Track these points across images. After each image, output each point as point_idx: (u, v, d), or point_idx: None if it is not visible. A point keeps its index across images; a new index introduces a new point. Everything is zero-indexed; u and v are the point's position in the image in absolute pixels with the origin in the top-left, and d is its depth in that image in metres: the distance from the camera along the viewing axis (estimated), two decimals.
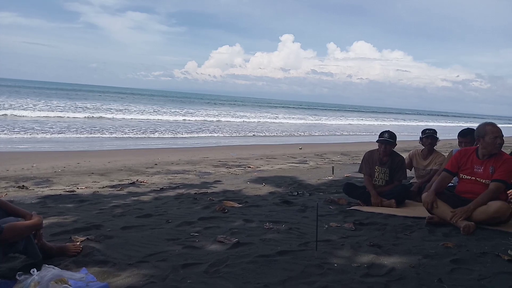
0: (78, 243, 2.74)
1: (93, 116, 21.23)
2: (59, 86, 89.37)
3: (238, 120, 27.62)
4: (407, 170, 4.90)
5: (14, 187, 5.11)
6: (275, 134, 19.34)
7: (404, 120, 52.23)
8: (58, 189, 5.10)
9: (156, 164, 7.68)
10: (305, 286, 2.22)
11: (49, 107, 25.84)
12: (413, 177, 5.35)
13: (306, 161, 9.20)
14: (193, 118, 25.72)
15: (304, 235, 3.21)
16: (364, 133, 23.33)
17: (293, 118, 35.65)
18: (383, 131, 4.72)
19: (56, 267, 2.10)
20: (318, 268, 2.48)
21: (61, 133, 13.61)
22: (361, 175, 5.03)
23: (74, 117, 20.15)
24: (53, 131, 13.98)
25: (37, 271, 1.98)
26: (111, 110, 27.50)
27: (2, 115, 18.23)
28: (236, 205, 4.32)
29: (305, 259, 2.63)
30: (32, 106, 25.30)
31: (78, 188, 5.17)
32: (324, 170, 7.62)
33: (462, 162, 3.77)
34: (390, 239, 3.16)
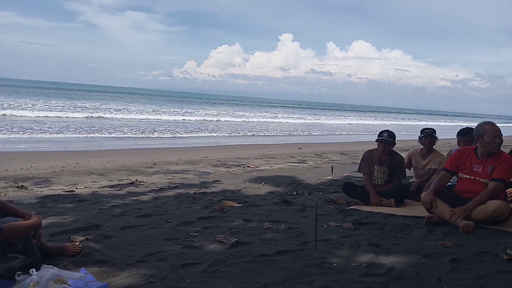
0: (77, 243, 2.74)
1: (92, 116, 21.21)
2: (58, 85, 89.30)
3: (237, 119, 27.63)
4: (406, 169, 4.90)
5: (13, 187, 5.11)
6: (275, 134, 19.35)
7: (403, 119, 52.27)
8: (57, 189, 5.10)
9: (155, 164, 7.68)
10: (305, 286, 2.22)
11: (48, 106, 25.82)
12: (412, 177, 5.35)
13: (306, 160, 9.21)
14: (192, 118, 25.72)
15: (303, 234, 3.22)
16: (364, 133, 23.35)
17: (292, 117, 35.65)
18: (382, 131, 4.72)
19: (55, 267, 2.09)
20: (317, 268, 2.48)
21: (60, 133, 13.60)
22: (361, 175, 5.03)
23: (73, 117, 20.14)
24: (52, 131, 13.97)
25: (36, 271, 1.98)
26: (110, 110, 27.48)
27: (1, 115, 18.21)
28: (236, 204, 4.32)
29: (304, 258, 2.63)
30: (31, 106, 25.28)
31: (77, 188, 5.17)
32: (323, 169, 7.62)
33: (461, 161, 3.77)
34: (389, 239, 3.16)
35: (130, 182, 5.72)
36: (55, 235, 3.01)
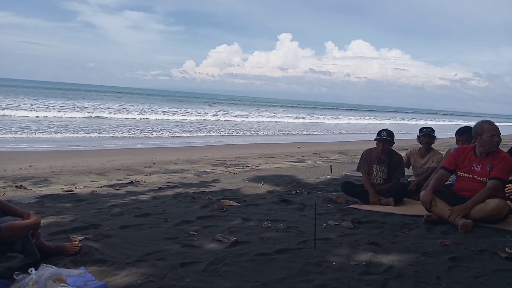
0: (76, 243, 2.74)
1: (91, 116, 21.18)
2: (56, 85, 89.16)
3: (236, 119, 27.62)
4: (405, 168, 4.91)
5: (12, 186, 5.10)
6: (274, 133, 19.35)
7: (402, 118, 52.32)
8: (56, 188, 5.09)
9: (154, 164, 7.67)
10: (304, 284, 2.22)
11: (46, 106, 25.78)
12: (411, 176, 5.36)
13: (305, 160, 9.21)
14: (191, 118, 25.70)
15: (302, 233, 3.22)
16: (363, 132, 23.36)
17: (291, 117, 35.66)
18: (381, 130, 4.73)
19: (54, 266, 2.09)
20: (316, 266, 2.48)
21: (59, 132, 13.58)
22: (360, 174, 5.04)
23: (72, 117, 20.11)
24: (51, 130, 13.95)
25: (35, 270, 1.98)
26: (109, 109, 27.44)
27: (0, 115, 18.17)
28: (235, 204, 4.32)
29: (303, 257, 2.64)
30: (29, 105, 25.24)
31: (76, 188, 5.16)
32: (322, 168, 7.62)
33: (459, 160, 3.78)
34: (388, 237, 3.16)
35: (129, 181, 5.72)
36: (54, 234, 3.01)
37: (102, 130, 15.01)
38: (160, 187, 5.30)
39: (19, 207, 2.49)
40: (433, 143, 5.09)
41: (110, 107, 30.36)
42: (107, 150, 10.17)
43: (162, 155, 9.16)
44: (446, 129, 22.60)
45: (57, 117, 19.50)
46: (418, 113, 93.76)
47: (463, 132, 4.61)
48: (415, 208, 4.12)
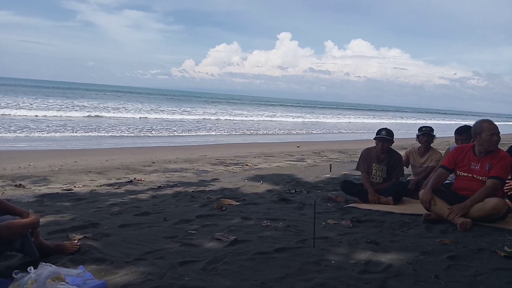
0: (75, 241, 2.74)
1: (90, 115, 21.16)
2: (56, 84, 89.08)
3: (235, 118, 27.61)
4: (404, 167, 4.91)
5: (11, 185, 5.10)
6: (273, 132, 19.34)
7: (402, 118, 52.33)
8: (55, 187, 5.09)
9: (153, 163, 7.67)
10: (303, 283, 2.22)
11: (46, 105, 25.75)
12: (410, 175, 5.37)
13: (304, 159, 9.21)
14: (190, 117, 25.69)
15: (301, 232, 3.22)
16: (362, 131, 23.37)
17: (291, 116, 35.66)
18: (381, 129, 4.74)
19: (53, 265, 2.09)
20: (315, 265, 2.48)
21: (58, 131, 13.57)
22: (359, 173, 5.04)
23: (71, 116, 20.09)
24: (50, 129, 13.94)
25: (34, 269, 1.98)
26: (108, 108, 27.42)
27: None
28: (234, 203, 4.32)
29: (302, 256, 2.64)
30: (29, 104, 25.21)
31: (75, 187, 5.16)
32: (321, 168, 7.63)
33: (459, 159, 3.78)
34: (387, 236, 3.17)
35: (129, 180, 5.72)
36: (53, 233, 3.01)
37: (101, 129, 15.00)
38: (160, 186, 5.30)
39: (18, 206, 2.48)
40: (432, 142, 5.09)
41: (110, 106, 30.33)
42: (107, 149, 10.16)
43: (161, 154, 9.15)
44: (445, 128, 22.62)
45: (56, 116, 19.48)
46: (418, 112, 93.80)
47: (462, 131, 4.62)
48: (414, 207, 4.13)
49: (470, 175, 3.70)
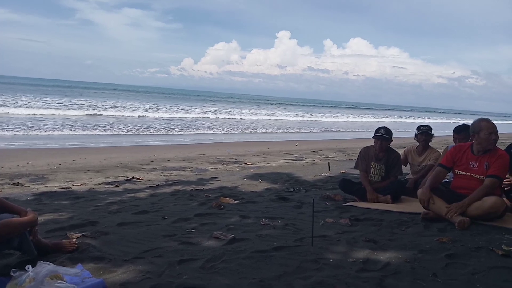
0: (73, 240, 2.74)
1: (88, 113, 21.12)
2: (54, 83, 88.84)
3: (234, 117, 27.59)
4: (402, 166, 4.92)
5: (9, 184, 5.09)
6: (272, 131, 19.34)
7: (400, 116, 52.37)
8: (53, 186, 5.08)
9: (152, 161, 7.67)
10: (301, 281, 2.22)
11: (44, 103, 25.69)
12: (409, 173, 5.37)
13: (303, 157, 9.22)
14: (189, 115, 25.66)
15: (300, 231, 3.22)
16: (361, 130, 23.39)
17: (289, 115, 35.65)
18: (379, 127, 4.74)
19: (51, 264, 2.09)
20: (314, 263, 2.49)
21: (56, 130, 13.54)
22: (357, 171, 5.04)
23: (69, 114, 20.03)
24: (48, 128, 13.91)
25: (32, 267, 1.98)
26: (107, 107, 27.36)
27: None
28: (233, 201, 4.32)
29: (301, 254, 2.64)
30: (27, 103, 25.14)
31: (73, 185, 5.16)
32: (320, 166, 7.63)
33: (457, 157, 3.79)
34: (385, 235, 3.17)
35: (127, 179, 5.71)
36: (51, 231, 3.00)
37: (99, 128, 14.97)
38: (158, 185, 5.30)
39: (16, 204, 2.48)
40: (431, 141, 5.10)
41: (108, 104, 30.25)
42: (105, 147, 10.14)
43: (160, 152, 9.15)
44: (443, 127, 22.66)
45: (55, 114, 19.43)
46: (416, 111, 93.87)
47: (460, 130, 4.63)
48: (413, 206, 4.13)
49: (468, 173, 3.70)
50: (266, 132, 18.57)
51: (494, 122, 3.82)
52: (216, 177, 6.07)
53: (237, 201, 4.33)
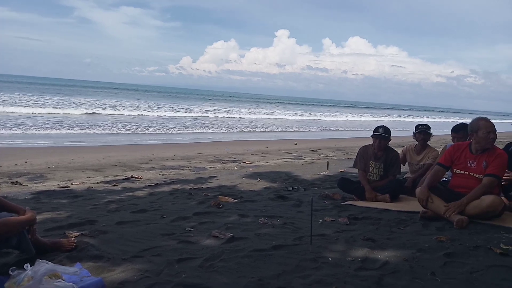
0: (72, 239, 2.73)
1: (87, 112, 21.08)
2: (52, 81, 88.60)
3: (233, 115, 27.58)
4: (401, 165, 4.93)
5: (7, 182, 5.08)
6: (271, 130, 19.34)
7: (399, 115, 52.43)
8: (52, 184, 5.07)
9: (151, 160, 7.66)
10: (300, 280, 2.23)
11: (42, 102, 25.64)
12: (407, 172, 5.38)
13: (301, 156, 9.22)
14: (188, 114, 25.65)
15: (298, 229, 3.23)
16: (359, 129, 23.41)
17: (288, 113, 35.65)
18: (378, 126, 4.75)
19: (50, 262, 2.09)
20: (312, 262, 2.49)
21: (55, 128, 13.51)
22: (356, 170, 5.05)
23: (67, 113, 20.00)
24: (47, 126, 13.88)
25: (30, 266, 1.97)
26: (105, 105, 27.31)
27: None
28: (231, 200, 4.32)
29: (299, 253, 2.64)
30: (25, 101, 25.08)
31: (72, 184, 5.15)
32: (319, 165, 7.63)
33: (455, 156, 3.80)
34: (384, 233, 3.18)
35: (126, 177, 5.70)
36: (50, 230, 3.00)
37: (98, 126, 14.95)
38: (157, 184, 5.30)
39: (15, 203, 2.47)
40: (429, 140, 5.11)
41: (106, 103, 30.21)
42: (103, 146, 10.14)
43: (158, 151, 9.14)
44: (442, 126, 22.68)
45: (53, 113, 19.40)
46: (415, 110, 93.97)
47: (459, 129, 4.63)
48: (411, 205, 4.14)
49: (467, 172, 3.71)
50: (265, 131, 18.58)
51: (493, 121, 3.82)
52: (215, 176, 6.06)
53: (236, 200, 4.33)
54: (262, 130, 19.02)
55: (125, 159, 7.59)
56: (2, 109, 18.59)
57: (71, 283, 1.96)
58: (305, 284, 2.17)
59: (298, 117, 31.94)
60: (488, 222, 3.46)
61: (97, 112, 21.69)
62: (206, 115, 26.19)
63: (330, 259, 2.55)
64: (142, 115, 22.67)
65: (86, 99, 32.48)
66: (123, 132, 14.17)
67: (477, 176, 3.64)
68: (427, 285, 2.21)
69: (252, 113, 31.53)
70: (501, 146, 4.01)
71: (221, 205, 4.01)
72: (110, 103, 30.81)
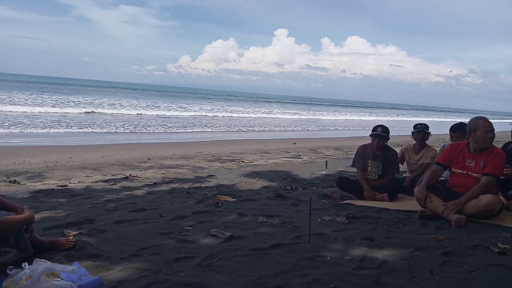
0: (70, 237, 2.73)
1: (85, 111, 21.04)
2: (51, 80, 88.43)
3: (232, 115, 27.57)
4: (399, 164, 4.93)
5: (5, 181, 5.07)
6: (269, 129, 19.34)
7: (398, 115, 52.48)
8: (50, 183, 5.06)
9: (149, 159, 7.65)
10: (298, 279, 2.23)
11: (40, 101, 25.58)
12: (406, 171, 5.39)
13: (300, 155, 9.22)
14: (186, 113, 25.63)
15: (297, 228, 3.23)
16: (358, 128, 23.42)
17: (287, 113, 35.65)
18: (377, 125, 4.75)
19: (48, 261, 2.08)
20: (311, 261, 2.49)
21: (53, 127, 13.49)
22: (355, 170, 5.05)
23: (66, 112, 19.96)
24: (45, 125, 13.85)
25: (28, 265, 1.97)
26: (104, 104, 27.27)
27: None
28: (230, 199, 4.32)
29: (298, 252, 2.65)
30: (23, 100, 25.03)
31: (70, 183, 5.14)
32: (317, 164, 7.64)
33: (454, 156, 3.80)
34: (382, 233, 3.18)
35: (124, 176, 5.70)
36: (48, 229, 3.00)
37: (96, 125, 14.93)
38: (155, 183, 5.29)
39: (13, 202, 2.47)
40: (427, 139, 5.11)
41: (105, 102, 30.17)
42: (102, 145, 10.12)
43: (157, 150, 9.13)
44: (440, 126, 22.71)
45: (51, 112, 19.36)
46: (414, 109, 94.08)
47: (457, 129, 4.64)
48: (410, 204, 4.15)
49: (465, 172, 3.72)
50: (264, 130, 18.58)
51: (491, 120, 3.83)
52: (213, 175, 6.06)
53: (234, 199, 4.33)
54: (261, 129, 19.02)
55: (124, 158, 7.58)
56: (0, 108, 18.54)
57: (69, 282, 1.96)
58: (303, 283, 2.17)
59: (297, 116, 31.95)
60: (486, 221, 3.47)
61: (96, 111, 21.66)
62: (205, 114, 26.18)
63: (328, 258, 2.55)
64: (141, 114, 22.65)
65: (85, 98, 32.42)
66: (121, 131, 14.15)
67: (475, 175, 3.65)
68: (425, 284, 2.22)
69: (251, 112, 31.52)
70: (499, 146, 4.01)
71: (219, 204, 4.01)
72: (109, 102, 30.76)
